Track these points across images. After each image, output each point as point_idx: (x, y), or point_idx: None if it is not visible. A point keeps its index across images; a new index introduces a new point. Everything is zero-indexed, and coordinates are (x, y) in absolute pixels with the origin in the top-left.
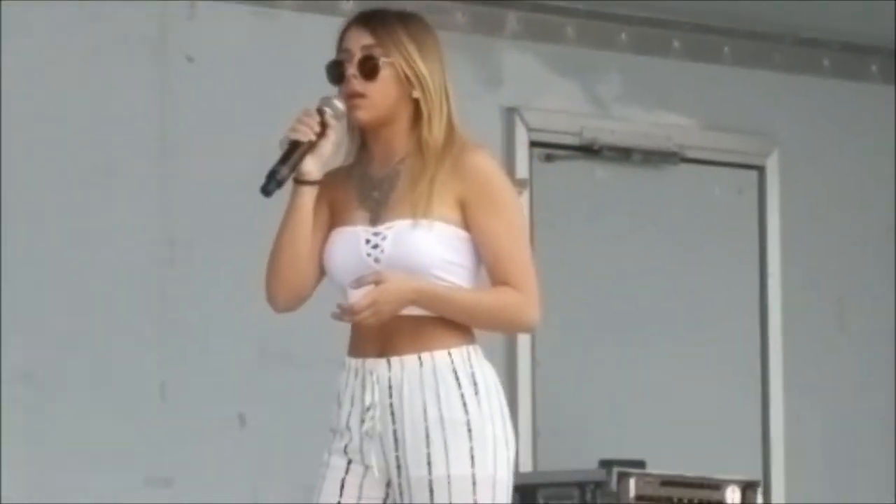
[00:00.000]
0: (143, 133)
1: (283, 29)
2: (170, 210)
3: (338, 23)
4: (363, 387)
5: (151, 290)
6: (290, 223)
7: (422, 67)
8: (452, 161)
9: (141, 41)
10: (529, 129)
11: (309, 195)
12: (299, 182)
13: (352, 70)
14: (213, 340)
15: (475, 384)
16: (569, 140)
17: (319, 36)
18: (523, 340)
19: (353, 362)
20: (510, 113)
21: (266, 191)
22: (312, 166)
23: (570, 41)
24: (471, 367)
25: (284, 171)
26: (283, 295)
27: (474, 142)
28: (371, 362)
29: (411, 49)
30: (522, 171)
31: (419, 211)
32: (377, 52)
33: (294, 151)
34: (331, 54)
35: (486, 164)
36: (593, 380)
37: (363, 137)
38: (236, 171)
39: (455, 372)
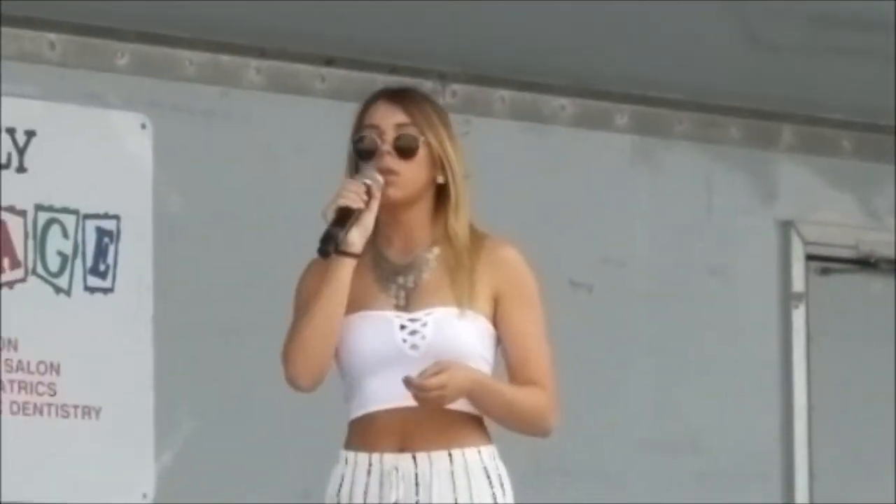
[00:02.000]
0: None
1: (557, 145)
2: None
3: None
4: (381, 483)
5: None
6: (329, 297)
7: (451, 151)
8: (486, 253)
9: None
10: (805, 243)
11: (350, 268)
12: (342, 254)
13: (386, 147)
14: None
15: (502, 485)
16: (845, 253)
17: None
18: (801, 453)
19: (363, 457)
20: (786, 226)
21: (325, 252)
22: (357, 237)
23: (845, 153)
24: (497, 466)
25: (342, 234)
26: (310, 372)
27: (495, 234)
28: (392, 457)
29: (442, 131)
30: (798, 285)
31: (464, 301)
32: (413, 130)
33: (346, 218)
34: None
35: (518, 258)
36: (873, 494)
37: (379, 220)
38: None
39: (486, 471)
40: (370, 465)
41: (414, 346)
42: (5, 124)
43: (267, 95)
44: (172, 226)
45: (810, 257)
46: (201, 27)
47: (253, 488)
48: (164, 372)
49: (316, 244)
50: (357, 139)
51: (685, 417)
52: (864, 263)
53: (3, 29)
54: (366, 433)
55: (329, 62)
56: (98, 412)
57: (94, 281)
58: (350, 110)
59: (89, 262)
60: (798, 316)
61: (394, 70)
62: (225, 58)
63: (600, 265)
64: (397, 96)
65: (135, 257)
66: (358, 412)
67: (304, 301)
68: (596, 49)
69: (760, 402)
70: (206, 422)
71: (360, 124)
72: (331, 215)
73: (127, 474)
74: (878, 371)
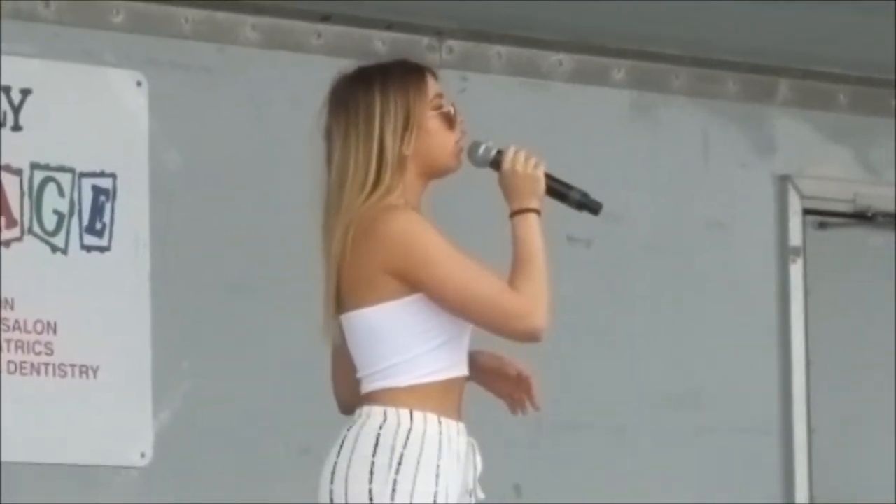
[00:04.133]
0: None
1: (554, 101)
2: None
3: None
4: (467, 453)
5: None
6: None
7: None
8: None
9: None
10: (803, 197)
11: None
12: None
13: (461, 117)
14: None
15: None
16: (842, 207)
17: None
18: (799, 408)
19: (453, 424)
20: (783, 181)
21: (599, 209)
22: None
23: (842, 108)
24: None
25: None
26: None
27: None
28: (461, 426)
29: None
30: (796, 239)
31: None
32: None
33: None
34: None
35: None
36: (871, 448)
37: (416, 187)
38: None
39: None
40: (457, 431)
41: None
42: (1, 83)
43: (263, 52)
44: (169, 183)
45: (808, 211)
46: None
47: (252, 446)
48: (161, 330)
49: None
50: (452, 108)
51: (683, 371)
52: (862, 217)
53: None
54: (449, 397)
55: (325, 19)
56: (96, 371)
57: (90, 239)
58: (346, 67)
59: (85, 221)
60: (795, 270)
61: (390, 26)
62: (221, 15)
63: (598, 220)
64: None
65: (131, 215)
66: (441, 375)
67: (447, 244)
68: (593, 4)
69: (759, 356)
70: (204, 380)
71: (431, 93)
72: (544, 180)
73: (125, 433)
74: (875, 325)
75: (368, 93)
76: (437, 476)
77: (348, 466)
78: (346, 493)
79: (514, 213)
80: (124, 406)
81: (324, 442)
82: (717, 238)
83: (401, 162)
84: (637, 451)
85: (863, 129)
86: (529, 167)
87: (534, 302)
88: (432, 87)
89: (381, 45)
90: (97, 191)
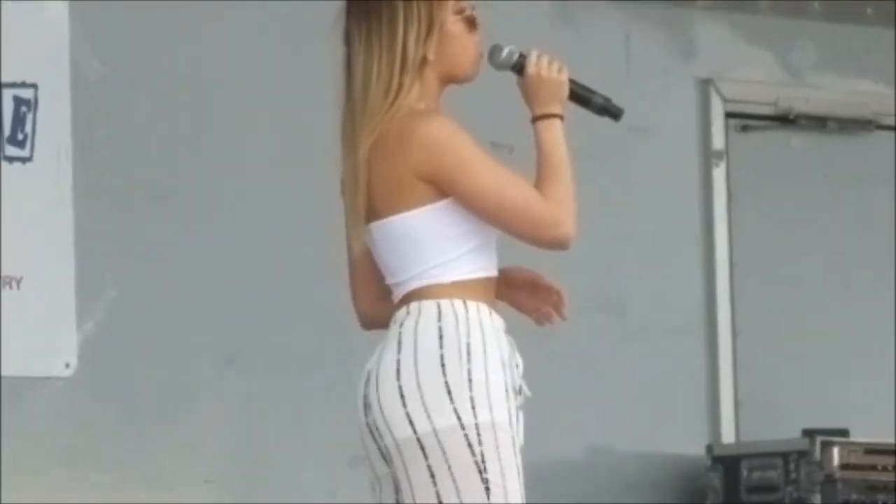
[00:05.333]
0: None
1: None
2: None
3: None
4: (511, 347)
5: None
6: None
7: None
8: None
9: None
10: (725, 101)
11: None
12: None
13: (480, 20)
14: None
15: None
16: (764, 110)
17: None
18: (724, 311)
19: (497, 318)
20: (705, 84)
21: (620, 115)
22: None
23: (764, 11)
24: None
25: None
26: None
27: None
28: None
29: None
30: (718, 143)
31: None
32: None
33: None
34: None
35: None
36: (794, 348)
37: (435, 92)
38: None
39: None
40: (502, 327)
41: None
42: None
43: None
44: (91, 93)
45: (730, 115)
46: None
47: (177, 356)
48: (85, 241)
49: (233, 107)
50: (467, 7)
51: (609, 275)
52: (784, 120)
53: None
54: (490, 294)
55: None
56: (19, 282)
57: (12, 150)
58: None
59: (7, 132)
60: (718, 173)
61: None
62: None
63: (519, 126)
64: None
65: (53, 126)
66: (481, 273)
67: (480, 152)
68: None
69: (683, 260)
70: (128, 290)
71: None
72: (567, 85)
73: (49, 344)
74: (797, 227)
75: None
76: (503, 364)
77: (415, 362)
78: (419, 388)
79: (537, 118)
80: (48, 317)
81: (248, 351)
82: (639, 142)
83: (421, 66)
84: (563, 355)
85: (784, 32)
86: (554, 71)
87: (564, 210)
88: None
89: None
90: (18, 101)
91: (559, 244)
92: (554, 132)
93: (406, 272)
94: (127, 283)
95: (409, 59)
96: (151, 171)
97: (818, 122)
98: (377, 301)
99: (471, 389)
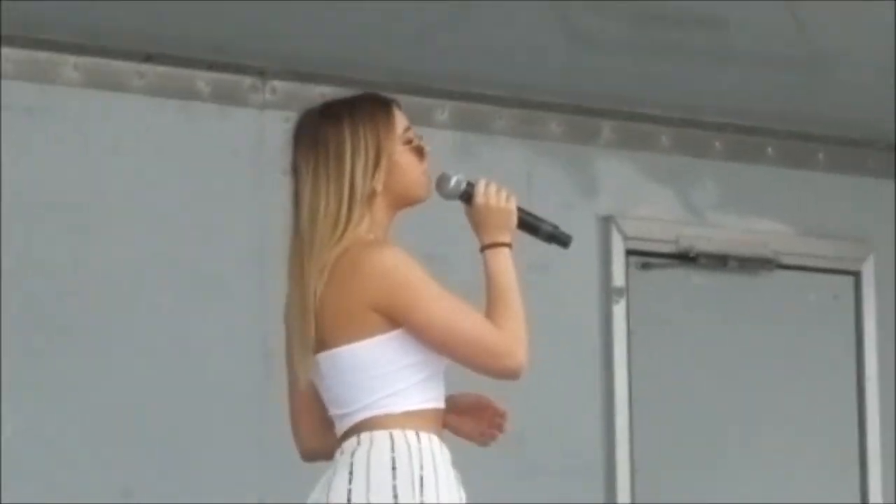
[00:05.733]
0: (241, 245)
1: None
2: (266, 322)
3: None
4: (457, 480)
5: (249, 404)
6: None
7: None
8: None
9: (239, 154)
10: (626, 238)
11: None
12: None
13: (428, 148)
14: None
15: None
16: (665, 248)
17: None
18: (622, 449)
19: (446, 449)
20: (606, 222)
21: (568, 242)
22: None
23: (664, 149)
24: None
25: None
26: None
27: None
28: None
29: None
30: (619, 280)
31: None
32: None
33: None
34: None
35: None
36: (693, 486)
37: (384, 219)
38: None
39: None
40: (449, 459)
41: None
42: None
43: (85, 91)
44: None
45: (630, 252)
46: (19, 24)
47: (73, 492)
48: None
49: (132, 238)
50: (415, 137)
51: (509, 413)
52: (684, 258)
53: None
54: (438, 424)
55: (148, 59)
56: None
57: None
58: (170, 106)
59: None
60: (619, 310)
61: (212, 66)
62: (42, 54)
63: (422, 257)
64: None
65: None
66: (430, 404)
67: (432, 282)
68: (415, 44)
69: (583, 398)
70: (22, 426)
71: (400, 126)
72: (516, 214)
73: None
74: (698, 364)
75: (338, 130)
76: (458, 490)
77: (367, 491)
78: None
79: (485, 247)
80: None
81: (144, 489)
82: (540, 279)
83: (370, 197)
84: None
85: (684, 171)
86: (502, 200)
87: (516, 339)
88: (400, 120)
89: (205, 85)
90: None
91: (512, 373)
92: (502, 261)
93: (356, 402)
94: (21, 420)
95: (358, 191)
96: (49, 303)
97: (719, 261)
98: (319, 432)
99: None
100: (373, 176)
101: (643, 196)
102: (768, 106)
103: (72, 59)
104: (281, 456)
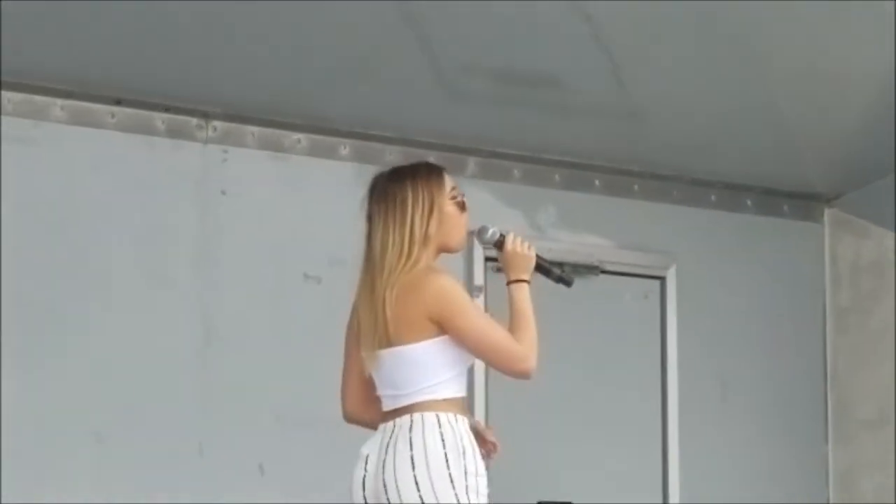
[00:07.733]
0: (188, 249)
1: (294, 170)
2: (205, 307)
3: (338, 166)
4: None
5: (191, 369)
6: None
7: None
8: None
9: (187, 178)
10: (485, 248)
11: None
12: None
13: (468, 205)
14: (243, 404)
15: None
16: None
17: (323, 178)
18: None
19: (465, 421)
20: (470, 235)
21: (571, 283)
22: None
23: (516, 180)
24: None
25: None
26: None
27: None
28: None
29: None
30: (479, 279)
31: None
32: None
33: (542, 259)
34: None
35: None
36: (532, 447)
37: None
38: (263, 280)
39: None
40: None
41: None
42: None
43: (69, 127)
44: None
45: (488, 258)
46: (17, 72)
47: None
48: None
49: (104, 242)
50: (458, 194)
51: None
52: None
53: None
54: (465, 409)
55: (118, 102)
56: None
57: None
58: (135, 141)
59: None
60: (479, 303)
61: (167, 109)
62: (36, 97)
63: (328, 263)
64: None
65: None
66: (460, 393)
67: (473, 302)
68: (325, 92)
69: None
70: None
71: (449, 186)
72: (535, 259)
73: None
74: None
75: (402, 187)
76: (475, 453)
77: (426, 457)
78: (429, 478)
79: (511, 282)
80: None
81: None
82: None
83: (425, 239)
84: None
85: (531, 198)
86: (525, 249)
87: (530, 350)
88: (448, 181)
89: (161, 123)
90: None
91: (525, 375)
92: (523, 293)
93: (409, 387)
94: (18, 384)
95: (416, 232)
96: (39, 295)
97: (556, 267)
98: (363, 405)
99: (466, 479)
100: (427, 222)
101: (499, 216)
102: (596, 147)
103: (59, 101)
104: (217, 410)
